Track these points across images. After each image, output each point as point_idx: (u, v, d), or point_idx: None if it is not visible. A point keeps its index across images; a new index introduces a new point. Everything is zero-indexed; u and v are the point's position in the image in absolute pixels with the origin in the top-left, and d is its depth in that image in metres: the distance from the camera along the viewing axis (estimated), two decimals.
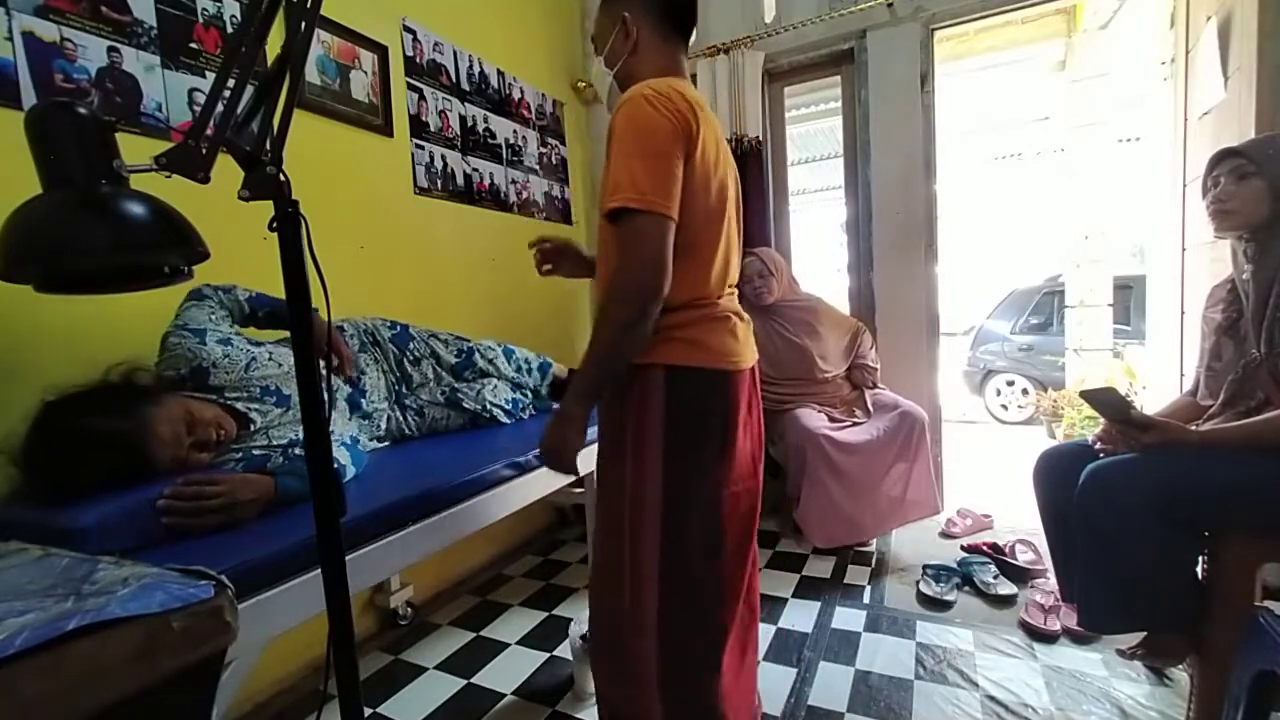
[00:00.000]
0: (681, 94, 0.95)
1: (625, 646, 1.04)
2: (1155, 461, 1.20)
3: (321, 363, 0.75)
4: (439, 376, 1.63)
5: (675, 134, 0.92)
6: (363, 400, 1.45)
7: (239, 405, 1.17)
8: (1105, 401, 1.27)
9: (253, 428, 1.18)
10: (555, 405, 1.72)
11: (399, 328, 1.62)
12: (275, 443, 1.19)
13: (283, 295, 0.72)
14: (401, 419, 1.52)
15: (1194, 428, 1.23)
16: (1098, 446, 1.36)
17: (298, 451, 1.12)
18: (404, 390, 1.57)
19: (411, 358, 1.59)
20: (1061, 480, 1.38)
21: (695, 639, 1.04)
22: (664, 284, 0.92)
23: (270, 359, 1.25)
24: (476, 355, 1.67)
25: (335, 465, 0.92)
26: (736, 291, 1.15)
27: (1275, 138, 1.25)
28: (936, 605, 1.85)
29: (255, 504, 0.93)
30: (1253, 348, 1.21)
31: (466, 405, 1.58)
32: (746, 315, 1.12)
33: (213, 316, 1.25)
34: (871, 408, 2.29)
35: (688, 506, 1.02)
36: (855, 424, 2.21)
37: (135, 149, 1.26)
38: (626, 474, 1.03)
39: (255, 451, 1.16)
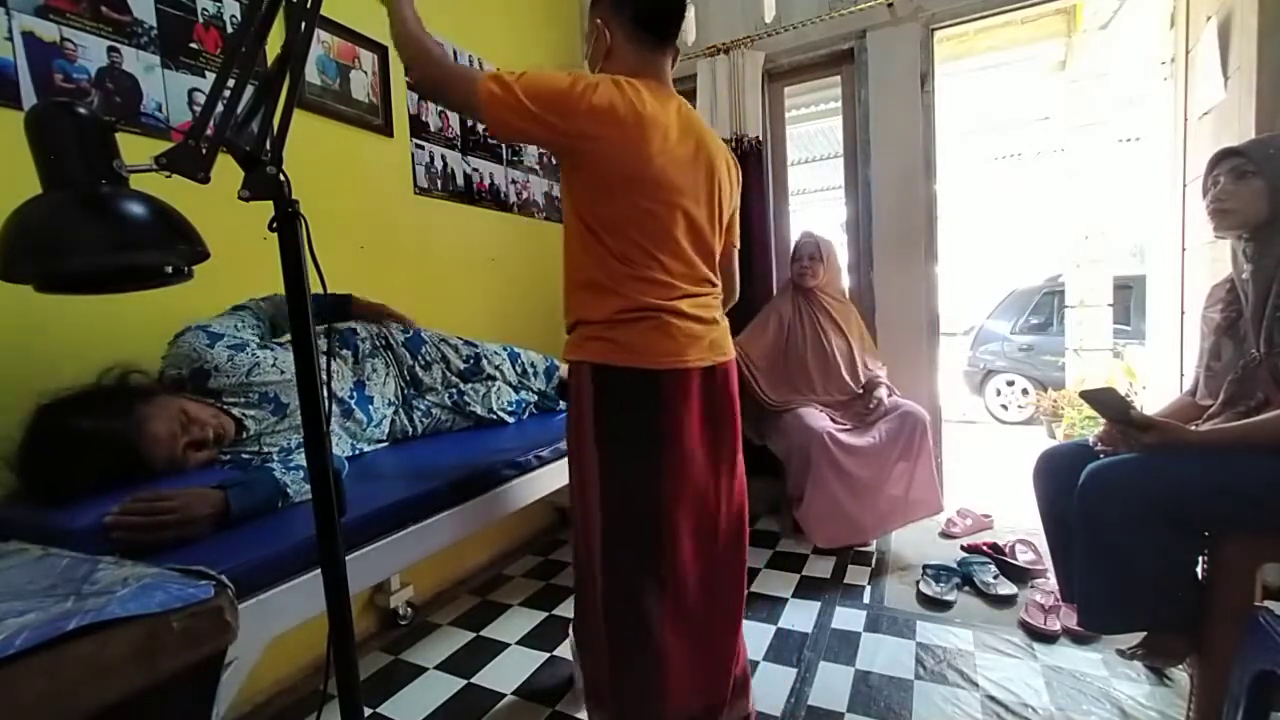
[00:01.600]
0: (623, 93, 1.01)
1: (587, 628, 1.17)
2: (1155, 462, 1.20)
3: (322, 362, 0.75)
4: (447, 380, 1.63)
5: (577, 99, 0.97)
6: (370, 406, 1.44)
7: (234, 411, 1.17)
8: (1105, 402, 1.28)
9: (246, 434, 1.18)
10: (561, 405, 1.75)
11: (412, 331, 1.62)
12: (265, 449, 1.18)
13: (283, 296, 0.72)
14: (406, 421, 1.52)
15: (1194, 428, 1.23)
16: (1098, 447, 1.36)
17: (276, 459, 1.11)
18: (412, 393, 1.58)
19: (423, 362, 1.59)
20: (1061, 480, 1.38)
21: (636, 633, 1.09)
22: (413, 70, 1.02)
23: (274, 365, 1.25)
24: (484, 361, 1.68)
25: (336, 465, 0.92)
26: (707, 292, 1.16)
27: (1275, 138, 1.25)
28: (936, 605, 1.85)
29: (210, 519, 0.89)
30: (1252, 347, 1.21)
31: (473, 410, 1.58)
32: (711, 316, 1.15)
33: (239, 325, 1.27)
34: (880, 414, 2.23)
35: (624, 499, 1.08)
36: (856, 426, 2.21)
37: (135, 149, 1.26)
38: (574, 464, 1.15)
39: (244, 456, 1.16)
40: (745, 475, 1.24)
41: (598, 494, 1.09)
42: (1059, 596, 1.60)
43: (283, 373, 1.25)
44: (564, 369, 1.86)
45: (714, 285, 1.19)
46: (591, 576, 1.13)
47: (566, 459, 1.20)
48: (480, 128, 2.33)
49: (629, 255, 1.05)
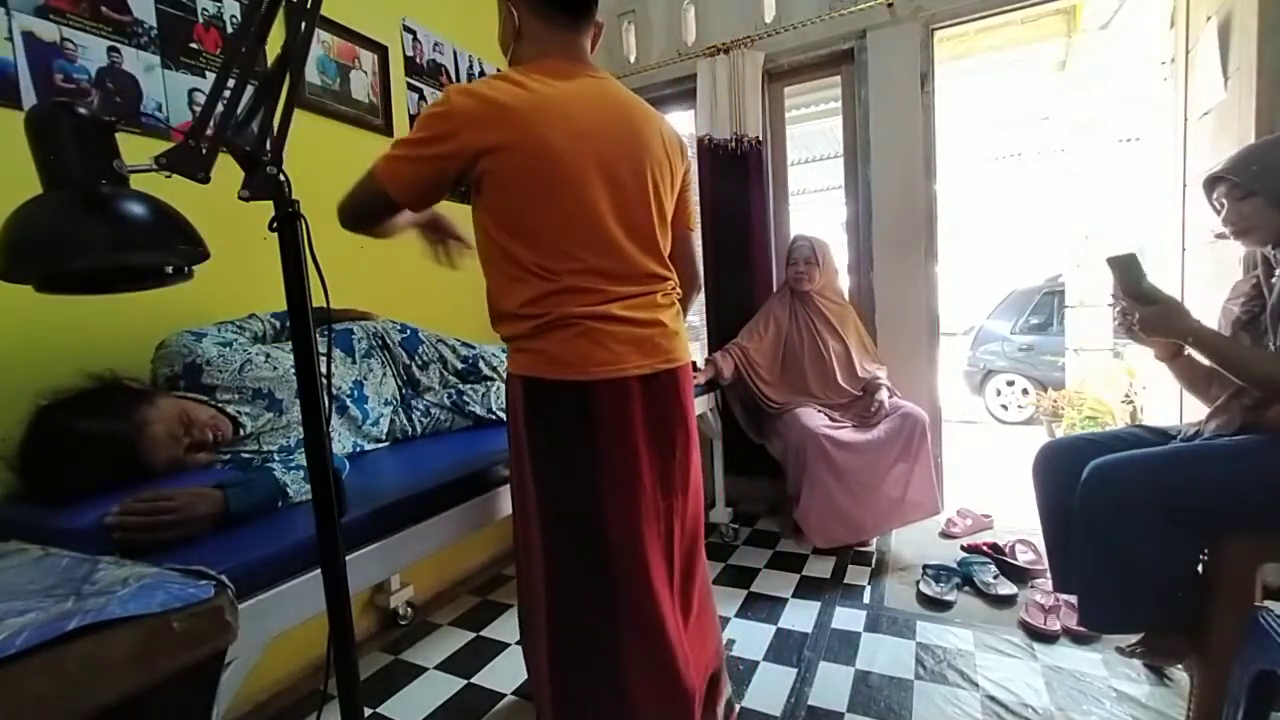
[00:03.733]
0: (495, 96, 0.93)
1: (534, 664, 1.11)
2: (1157, 461, 1.20)
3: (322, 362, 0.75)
4: (445, 380, 1.63)
5: (437, 118, 0.93)
6: (366, 404, 1.44)
7: (229, 408, 1.17)
8: (1124, 265, 1.24)
9: (243, 432, 1.18)
10: None
11: (409, 331, 1.62)
12: (265, 448, 1.18)
13: (283, 296, 0.72)
14: (406, 421, 1.52)
15: (1192, 427, 1.24)
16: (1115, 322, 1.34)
17: (278, 458, 1.11)
18: (410, 393, 1.57)
19: (420, 362, 1.59)
20: (1062, 473, 1.39)
21: (590, 669, 1.02)
22: (343, 220, 1.03)
23: (266, 361, 1.25)
24: (481, 362, 1.68)
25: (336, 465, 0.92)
26: (649, 288, 1.06)
27: (1253, 152, 1.24)
28: (936, 605, 1.85)
29: (210, 519, 0.89)
30: (1269, 343, 1.21)
31: (473, 410, 1.58)
32: (652, 316, 1.04)
33: (224, 329, 1.28)
34: (881, 416, 2.22)
35: (565, 521, 1.01)
36: (857, 426, 2.21)
37: (135, 149, 1.26)
38: (513, 477, 1.10)
39: (244, 455, 1.16)
40: (702, 486, 1.17)
41: (536, 517, 1.02)
42: (1053, 586, 1.58)
43: (275, 369, 1.25)
44: None
45: (661, 280, 1.08)
46: (535, 604, 1.06)
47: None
48: None
49: (547, 264, 0.97)
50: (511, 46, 1.06)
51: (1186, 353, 1.33)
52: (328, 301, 0.77)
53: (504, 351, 1.76)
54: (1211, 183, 1.27)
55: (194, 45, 1.43)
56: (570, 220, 0.97)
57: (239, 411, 1.18)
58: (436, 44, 2.14)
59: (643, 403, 1.02)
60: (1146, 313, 1.22)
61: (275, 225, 0.70)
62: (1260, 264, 1.28)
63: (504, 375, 1.71)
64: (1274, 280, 1.23)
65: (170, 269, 0.78)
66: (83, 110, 0.67)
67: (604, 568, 1.01)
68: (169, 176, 0.67)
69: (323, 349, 0.81)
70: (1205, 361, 1.25)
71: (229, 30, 1.50)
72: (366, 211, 1.02)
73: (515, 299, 0.99)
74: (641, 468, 1.03)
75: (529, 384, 1.01)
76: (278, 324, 1.39)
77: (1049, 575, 1.52)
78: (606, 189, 0.99)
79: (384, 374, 1.53)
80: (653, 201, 1.05)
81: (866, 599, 1.93)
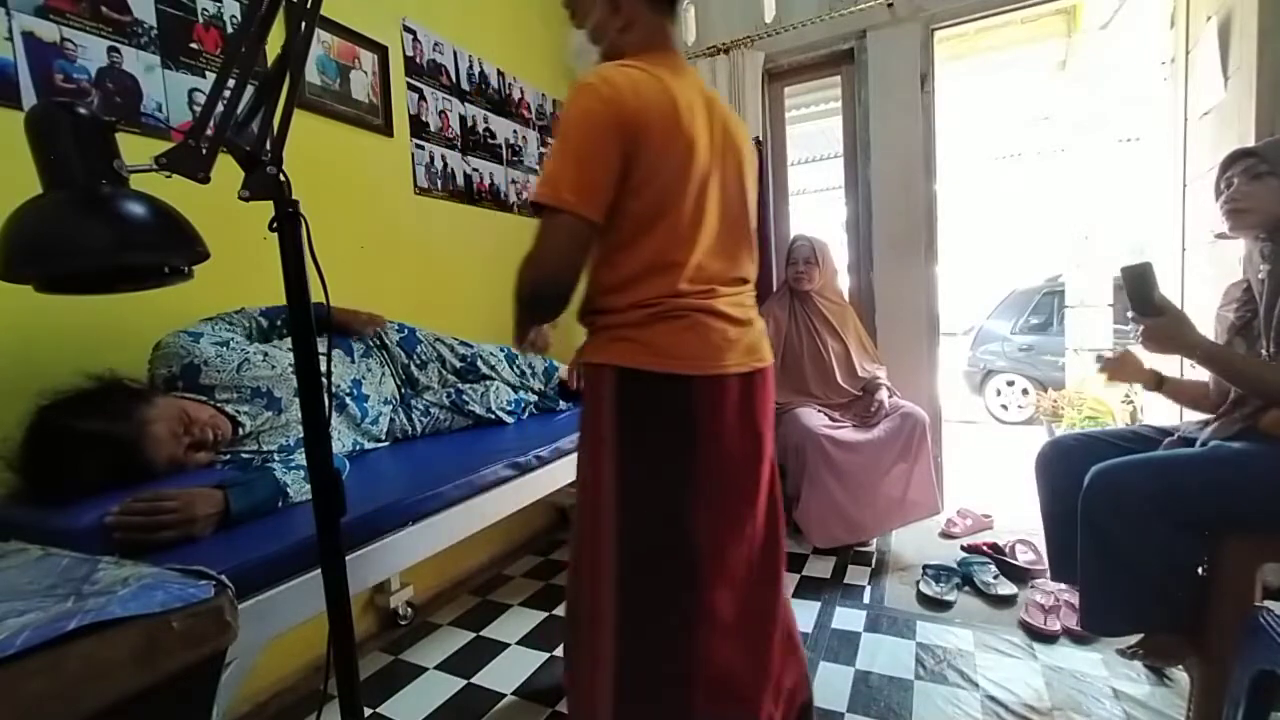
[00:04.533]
0: (632, 80, 0.89)
1: (582, 685, 1.02)
2: (1160, 466, 1.21)
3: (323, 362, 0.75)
4: (444, 379, 1.63)
5: (614, 128, 0.87)
6: (365, 403, 1.44)
7: (228, 408, 1.17)
8: (1137, 275, 1.22)
9: (242, 431, 1.18)
10: (562, 405, 1.75)
11: (407, 330, 1.62)
12: (265, 448, 1.18)
13: (282, 295, 0.72)
14: (406, 420, 1.52)
15: (1193, 427, 1.24)
16: (1099, 367, 1.34)
17: (278, 458, 1.11)
18: (409, 392, 1.58)
19: (418, 361, 1.60)
20: (1064, 470, 1.39)
21: (660, 695, 0.97)
22: (550, 284, 0.89)
23: (264, 360, 1.25)
24: (479, 362, 1.68)
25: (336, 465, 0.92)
26: (741, 290, 1.05)
27: None
28: (936, 605, 1.85)
29: (211, 519, 0.90)
30: (1264, 348, 1.21)
31: (472, 409, 1.58)
32: (747, 316, 1.03)
33: (217, 327, 1.27)
34: (881, 416, 2.22)
35: (650, 528, 0.95)
36: (857, 426, 2.21)
37: (135, 149, 1.26)
38: (588, 476, 1.00)
39: (244, 455, 1.16)
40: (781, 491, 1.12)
41: (614, 522, 0.95)
42: (1051, 575, 1.57)
43: (273, 367, 1.25)
44: (562, 370, 1.86)
45: (748, 282, 1.07)
46: (597, 619, 0.97)
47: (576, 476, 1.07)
48: (480, 128, 2.33)
49: (668, 255, 0.94)
50: (611, 36, 1.00)
51: (1167, 385, 1.38)
52: (327, 301, 0.77)
53: (501, 350, 1.76)
54: (1232, 159, 1.26)
55: (194, 45, 1.43)
56: (692, 215, 0.95)
57: (238, 411, 1.18)
58: (436, 44, 2.14)
59: (738, 402, 1.00)
60: (1153, 325, 1.21)
61: (275, 225, 0.70)
62: (1247, 262, 1.29)
63: (502, 376, 1.72)
64: (1261, 277, 1.23)
65: (170, 269, 0.79)
66: (83, 110, 0.67)
67: (689, 580, 0.96)
68: (169, 176, 0.67)
69: (322, 348, 0.81)
70: (1203, 376, 1.26)
71: (229, 30, 1.50)
72: (574, 253, 0.89)
73: (627, 287, 0.95)
74: (733, 472, 1.00)
75: (623, 375, 0.95)
76: (265, 322, 1.36)
77: (1048, 570, 1.53)
78: (718, 187, 0.98)
79: (383, 373, 1.53)
80: (747, 201, 1.06)
81: (866, 599, 1.93)
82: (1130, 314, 1.27)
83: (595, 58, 1.02)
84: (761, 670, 1.04)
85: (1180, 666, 1.36)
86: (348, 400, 1.39)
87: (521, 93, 2.57)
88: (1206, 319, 1.37)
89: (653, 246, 0.94)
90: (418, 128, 2.05)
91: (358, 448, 1.38)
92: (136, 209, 0.68)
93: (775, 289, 2.61)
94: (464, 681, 1.61)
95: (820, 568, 2.15)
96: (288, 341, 1.34)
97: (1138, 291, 1.23)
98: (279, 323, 1.35)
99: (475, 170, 2.30)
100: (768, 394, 1.06)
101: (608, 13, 0.98)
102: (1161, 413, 2.86)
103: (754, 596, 1.04)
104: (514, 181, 2.51)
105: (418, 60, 2.06)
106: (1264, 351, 1.20)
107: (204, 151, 0.67)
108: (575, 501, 1.05)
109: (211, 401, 1.16)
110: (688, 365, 0.94)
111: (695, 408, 0.95)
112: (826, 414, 2.24)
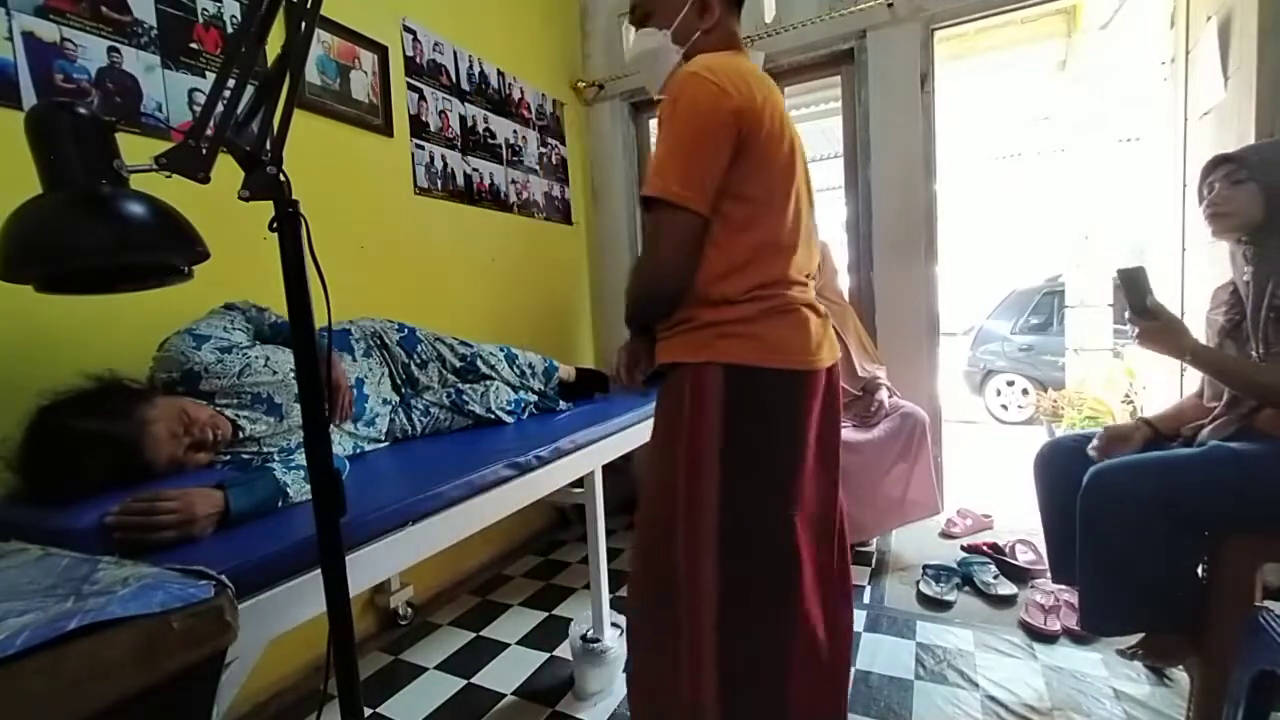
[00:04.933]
0: (740, 72, 0.91)
1: (675, 656, 0.97)
2: (1158, 466, 1.21)
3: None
4: (444, 379, 1.63)
5: (726, 121, 0.88)
6: (365, 403, 1.44)
7: (228, 413, 1.16)
8: (1132, 279, 1.27)
9: (242, 435, 1.18)
10: (562, 405, 1.74)
11: (406, 330, 1.62)
12: (266, 448, 1.18)
13: (283, 296, 0.72)
14: (406, 420, 1.52)
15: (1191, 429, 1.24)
16: (1091, 450, 1.36)
17: (278, 458, 1.11)
18: (409, 392, 1.58)
19: (418, 361, 1.59)
20: (1063, 472, 1.39)
21: (762, 692, 0.96)
22: (675, 283, 0.92)
23: (265, 365, 1.25)
24: (479, 361, 1.67)
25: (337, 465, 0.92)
26: (813, 283, 1.06)
27: (1265, 144, 1.30)
28: (936, 605, 1.85)
29: (211, 519, 0.89)
30: (1253, 349, 1.22)
31: (472, 409, 1.58)
32: (824, 309, 1.03)
33: (228, 326, 1.26)
34: (881, 416, 2.22)
35: (751, 528, 0.93)
36: (857, 426, 2.21)
37: (135, 149, 1.26)
38: (679, 483, 0.95)
39: (244, 455, 1.16)
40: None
41: (715, 525, 0.92)
42: (1051, 578, 1.58)
43: (275, 373, 1.25)
44: (563, 370, 1.86)
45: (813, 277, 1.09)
46: (692, 626, 0.94)
47: (645, 471, 1.03)
48: (480, 128, 2.33)
49: (774, 235, 0.95)
50: (693, 39, 1.00)
51: (1160, 424, 1.38)
52: (328, 301, 0.77)
53: (501, 350, 1.76)
54: (1213, 165, 1.28)
55: (194, 45, 1.43)
56: (795, 203, 0.98)
57: (238, 416, 1.18)
58: (436, 44, 2.14)
59: (824, 396, 1.00)
60: (1146, 328, 1.25)
61: (275, 225, 0.70)
62: (1231, 264, 1.30)
63: (502, 376, 1.71)
64: (1245, 279, 1.24)
65: (170, 269, 0.79)
66: (83, 110, 0.67)
67: (789, 585, 0.95)
68: (169, 176, 0.67)
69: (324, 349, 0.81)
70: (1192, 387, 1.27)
71: (229, 30, 1.50)
72: (689, 248, 0.91)
73: (740, 282, 0.93)
74: (816, 466, 1.01)
75: (733, 372, 0.92)
76: (269, 331, 1.34)
77: (1049, 571, 1.52)
78: (791, 181, 0.99)
79: (382, 373, 1.53)
80: (810, 200, 1.07)
81: (866, 599, 1.93)
82: (1127, 314, 1.31)
83: (676, 58, 1.02)
84: (840, 693, 1.06)
85: (1180, 666, 1.36)
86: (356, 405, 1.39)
87: (521, 93, 2.57)
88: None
89: (766, 229, 0.95)
90: (418, 128, 2.06)
91: (357, 449, 1.38)
92: (136, 209, 0.68)
93: None
94: (464, 681, 1.61)
95: None
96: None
97: (1132, 293, 1.27)
98: (281, 339, 1.33)
99: (475, 170, 2.30)
100: (840, 388, 1.08)
101: (696, 13, 0.99)
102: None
103: (836, 609, 1.05)
104: (514, 181, 2.51)
105: (418, 60, 2.07)
106: (1254, 353, 1.21)
107: (204, 151, 0.67)
108: (649, 509, 1.01)
109: (212, 406, 1.16)
110: (795, 360, 0.95)
111: (799, 402, 0.96)
112: None
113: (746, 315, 0.93)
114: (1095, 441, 1.37)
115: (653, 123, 3.10)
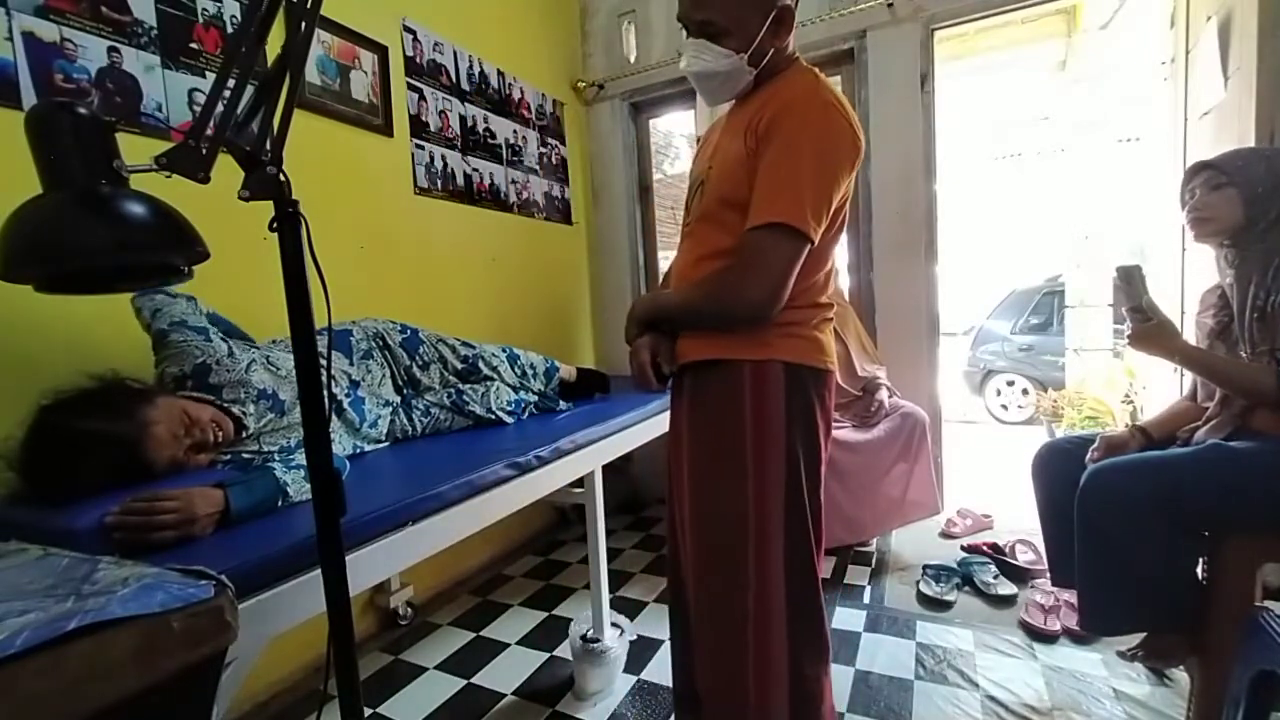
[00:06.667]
0: (849, 105, 0.96)
1: (745, 645, 1.01)
2: (1155, 465, 1.21)
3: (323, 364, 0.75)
4: (446, 380, 1.63)
5: (854, 160, 0.95)
6: (363, 406, 1.44)
7: (234, 408, 1.17)
8: (1129, 277, 1.29)
9: (245, 432, 1.18)
10: (562, 405, 1.74)
11: (409, 331, 1.61)
12: (266, 448, 1.18)
13: (282, 296, 0.72)
14: (406, 421, 1.52)
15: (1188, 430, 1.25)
16: (1088, 461, 1.36)
17: (278, 458, 1.11)
18: (410, 393, 1.58)
19: (420, 362, 1.59)
20: (1061, 473, 1.39)
21: (810, 646, 1.04)
22: (773, 308, 0.93)
23: (268, 363, 1.25)
24: (480, 363, 1.68)
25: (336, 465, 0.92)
26: None
27: (1245, 150, 1.31)
28: (936, 605, 1.85)
29: (211, 518, 0.89)
30: (1243, 350, 1.22)
31: (472, 409, 1.58)
32: None
33: (194, 313, 1.25)
34: (881, 416, 2.23)
35: (805, 512, 1.00)
36: (857, 427, 2.21)
37: (135, 149, 1.26)
38: (749, 480, 0.98)
39: (245, 455, 1.16)
40: None
41: (781, 509, 0.98)
42: (1052, 582, 1.58)
43: (278, 369, 1.25)
44: (563, 370, 1.86)
45: None
46: (762, 608, 0.99)
47: (698, 479, 1.05)
48: (480, 127, 2.33)
49: (831, 258, 1.05)
50: (773, 44, 0.99)
51: (1155, 430, 1.40)
52: (328, 301, 0.77)
53: (503, 351, 1.76)
54: (1194, 172, 1.31)
55: (194, 45, 1.43)
56: (839, 227, 1.03)
57: (244, 412, 1.18)
58: (436, 44, 2.14)
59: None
60: (1139, 328, 1.27)
61: (275, 225, 0.70)
62: (1217, 268, 1.32)
63: (504, 376, 1.71)
64: (1229, 283, 1.27)
65: (170, 269, 0.79)
66: (83, 110, 0.67)
67: (815, 574, 1.04)
68: (169, 176, 0.67)
69: (323, 349, 0.81)
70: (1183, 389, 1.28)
71: (229, 30, 1.50)
72: (792, 277, 0.93)
73: (814, 287, 1.01)
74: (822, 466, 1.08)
75: (794, 371, 0.98)
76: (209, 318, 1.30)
77: (1049, 574, 1.52)
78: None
79: (383, 375, 1.52)
80: None
81: (866, 599, 1.93)
82: (1124, 309, 1.33)
83: (749, 78, 1.01)
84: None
85: (1180, 666, 1.36)
86: (346, 405, 1.39)
87: (521, 93, 2.57)
88: None
89: (830, 253, 1.04)
90: (418, 128, 2.06)
91: (357, 451, 1.38)
92: (136, 209, 0.68)
93: None
94: (464, 681, 1.61)
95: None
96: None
97: (1128, 291, 1.30)
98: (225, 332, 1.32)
99: (475, 170, 2.30)
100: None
101: (772, 33, 0.98)
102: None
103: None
104: (514, 181, 2.51)
105: (418, 60, 2.07)
106: (1243, 354, 1.21)
107: (204, 151, 0.67)
108: (714, 507, 1.03)
109: (218, 400, 1.16)
110: (831, 361, 1.03)
111: (828, 400, 1.04)
112: None
113: (804, 318, 1.00)
114: (1091, 453, 1.37)
115: (653, 122, 3.09)
